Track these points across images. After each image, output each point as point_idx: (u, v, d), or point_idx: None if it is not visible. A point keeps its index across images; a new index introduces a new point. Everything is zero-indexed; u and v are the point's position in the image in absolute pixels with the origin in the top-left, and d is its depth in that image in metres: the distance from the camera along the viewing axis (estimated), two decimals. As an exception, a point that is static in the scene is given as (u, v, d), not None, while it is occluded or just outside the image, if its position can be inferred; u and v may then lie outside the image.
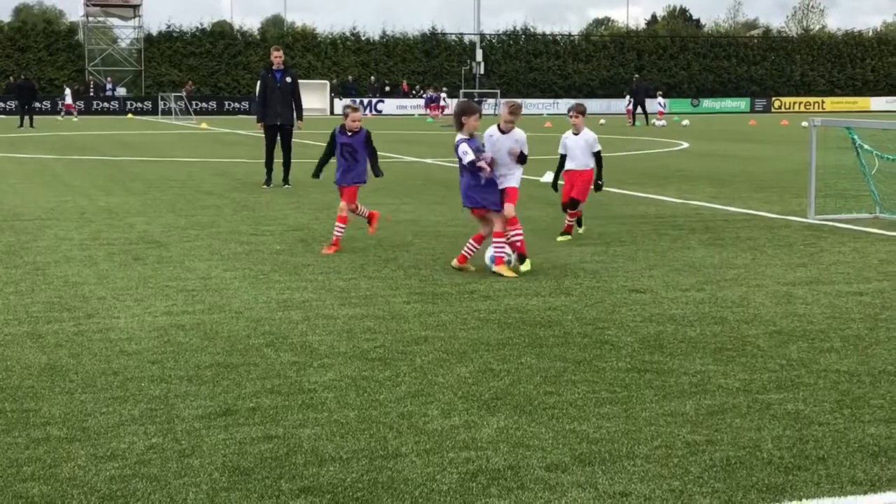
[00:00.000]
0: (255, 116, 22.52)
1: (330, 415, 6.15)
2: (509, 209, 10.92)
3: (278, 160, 20.77)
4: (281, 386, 6.76)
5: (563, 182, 13.50)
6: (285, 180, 20.67)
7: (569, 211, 13.37)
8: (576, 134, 13.39)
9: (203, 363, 7.31)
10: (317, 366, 7.26)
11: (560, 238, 13.23)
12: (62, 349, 7.69)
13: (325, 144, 13.11)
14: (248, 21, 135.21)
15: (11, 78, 71.12)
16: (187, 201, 17.93)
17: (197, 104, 74.39)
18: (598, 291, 9.96)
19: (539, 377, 6.96)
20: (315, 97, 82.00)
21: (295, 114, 20.94)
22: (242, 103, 78.52)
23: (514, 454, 5.46)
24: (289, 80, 20.81)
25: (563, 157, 13.51)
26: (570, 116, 13.47)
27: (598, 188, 13.60)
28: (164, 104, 72.88)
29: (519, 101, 11.53)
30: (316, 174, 13.36)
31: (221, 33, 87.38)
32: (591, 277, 10.68)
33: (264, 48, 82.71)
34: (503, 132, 11.00)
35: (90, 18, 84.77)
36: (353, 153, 12.78)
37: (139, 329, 8.32)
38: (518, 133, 11.06)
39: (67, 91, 67.35)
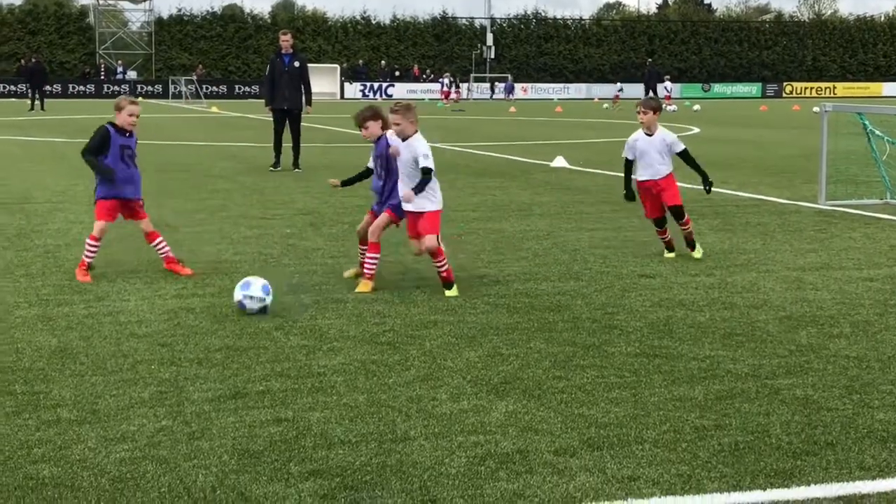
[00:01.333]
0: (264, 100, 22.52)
1: (339, 398, 6.16)
2: (431, 241, 9.08)
3: (287, 144, 20.79)
4: (290, 369, 6.77)
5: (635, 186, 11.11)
6: (295, 164, 20.69)
7: (679, 223, 11.00)
8: (648, 135, 10.87)
9: (213, 346, 7.33)
10: (326, 349, 7.27)
11: (667, 255, 11.01)
12: (73, 332, 7.71)
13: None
14: (259, 5, 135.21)
15: (22, 61, 71.07)
16: (197, 185, 17.95)
17: (207, 88, 74.37)
18: (608, 276, 9.95)
19: (548, 362, 6.97)
20: (325, 81, 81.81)
21: (304, 98, 20.94)
22: (253, 87, 78.41)
23: (522, 438, 5.47)
24: (297, 64, 20.80)
25: (630, 163, 11.14)
26: (638, 113, 10.96)
27: (708, 188, 11.21)
28: (175, 88, 72.87)
29: (405, 102, 9.48)
30: (108, 176, 9.71)
31: (232, 17, 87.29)
32: (601, 262, 10.67)
33: (275, 32, 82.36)
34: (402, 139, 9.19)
35: (101, 1, 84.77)
36: (132, 157, 9.87)
37: (149, 312, 8.34)
38: (415, 141, 9.11)
39: None
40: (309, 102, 21.13)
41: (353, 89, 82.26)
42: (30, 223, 13.22)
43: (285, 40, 20.97)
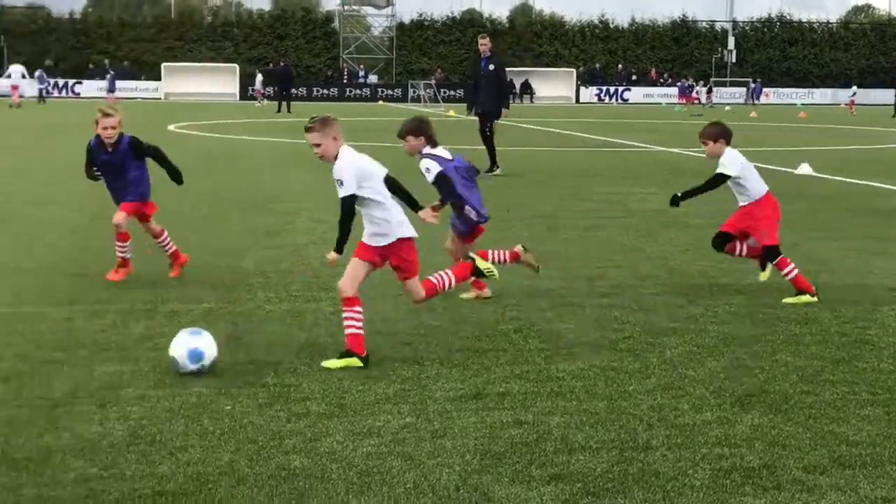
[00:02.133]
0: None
1: (579, 404, 6.15)
2: (413, 289, 7.33)
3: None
4: (529, 372, 6.80)
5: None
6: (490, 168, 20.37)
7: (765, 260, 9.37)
8: None
9: (454, 346, 7.43)
10: (564, 354, 7.27)
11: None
12: (320, 328, 7.96)
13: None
14: (498, 9, 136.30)
15: (270, 64, 73.92)
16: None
17: (445, 92, 75.61)
18: (856, 289, 9.57)
19: (795, 375, 6.75)
20: (561, 85, 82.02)
21: (501, 102, 20.85)
22: (489, 91, 79.24)
23: (769, 453, 5.32)
24: (492, 67, 20.78)
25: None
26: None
27: (673, 200, 9.55)
28: (414, 91, 74.46)
29: (321, 115, 7.38)
30: (93, 177, 9.88)
31: (471, 21, 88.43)
32: (848, 275, 10.27)
33: (513, 36, 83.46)
34: None
35: (346, 7, 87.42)
36: (118, 171, 9.61)
37: (393, 311, 8.53)
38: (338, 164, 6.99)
39: (259, 76, 67.93)
40: (506, 106, 21.07)
41: (589, 93, 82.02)
42: (277, 222, 13.74)
43: (483, 44, 21.02)
